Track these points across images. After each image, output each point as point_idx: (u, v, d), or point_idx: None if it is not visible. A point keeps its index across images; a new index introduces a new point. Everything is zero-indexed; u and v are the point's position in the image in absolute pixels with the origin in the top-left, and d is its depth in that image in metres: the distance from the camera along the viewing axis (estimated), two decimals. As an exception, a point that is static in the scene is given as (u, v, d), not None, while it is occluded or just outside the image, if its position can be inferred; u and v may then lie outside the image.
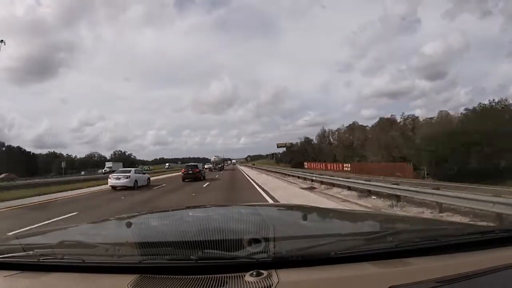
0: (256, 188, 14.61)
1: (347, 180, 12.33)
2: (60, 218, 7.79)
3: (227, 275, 0.80)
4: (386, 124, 47.88)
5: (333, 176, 15.29)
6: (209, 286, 0.76)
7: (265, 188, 13.89)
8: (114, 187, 16.25)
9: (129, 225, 1.32)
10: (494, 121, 26.63)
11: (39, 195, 13.75)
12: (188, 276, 0.81)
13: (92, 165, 77.72)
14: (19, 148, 70.84)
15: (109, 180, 16.93)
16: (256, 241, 0.89)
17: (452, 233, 1.16)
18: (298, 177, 19.32)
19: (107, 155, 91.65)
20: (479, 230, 1.14)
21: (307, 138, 69.94)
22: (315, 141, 68.17)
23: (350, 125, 63.01)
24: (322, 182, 14.58)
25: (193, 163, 25.68)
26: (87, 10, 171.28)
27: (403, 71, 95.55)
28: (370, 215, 2.26)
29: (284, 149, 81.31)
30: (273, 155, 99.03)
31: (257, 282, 0.75)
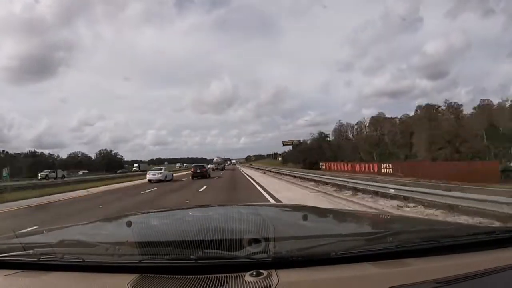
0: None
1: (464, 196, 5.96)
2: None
3: (227, 275, 0.80)
4: (431, 113, 39.26)
5: (405, 186, 9.01)
6: (209, 286, 0.76)
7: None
8: (150, 180, 22.49)
9: (129, 224, 1.32)
10: None
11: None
12: (188, 276, 0.81)
13: (73, 166, 65.81)
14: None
15: (147, 175, 24.02)
16: (256, 241, 0.89)
17: (453, 233, 1.16)
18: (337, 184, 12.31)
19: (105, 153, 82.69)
20: (480, 231, 1.14)
21: (322, 133, 60.35)
22: (331, 137, 60.29)
23: (374, 117, 55.51)
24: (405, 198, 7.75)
25: (200, 164, 31.80)
26: (86, 8, 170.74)
27: (403, 70, 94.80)
28: (370, 215, 2.26)
29: (290, 147, 73.61)
30: (275, 154, 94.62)
31: (257, 282, 0.75)
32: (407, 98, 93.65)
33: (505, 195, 5.59)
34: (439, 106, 41.17)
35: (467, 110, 41.89)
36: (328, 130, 66.07)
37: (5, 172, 22.97)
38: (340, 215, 1.84)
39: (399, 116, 53.41)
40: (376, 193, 9.16)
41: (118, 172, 54.93)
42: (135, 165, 70.75)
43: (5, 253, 0.98)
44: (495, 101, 41.25)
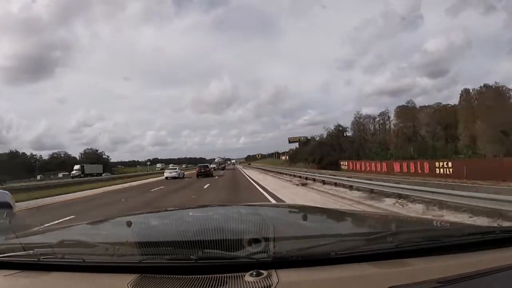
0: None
1: None
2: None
3: (227, 275, 0.80)
4: (493, 96, 30.38)
5: None
6: (209, 286, 0.76)
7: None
8: (167, 178, 28.70)
9: (129, 224, 1.33)
10: None
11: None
12: (188, 276, 0.81)
13: (55, 167, 59.90)
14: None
15: (164, 173, 30.47)
16: (256, 241, 0.89)
17: (453, 233, 1.15)
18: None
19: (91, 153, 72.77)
20: (480, 231, 1.14)
21: (339, 126, 50.13)
22: (349, 131, 50.37)
23: (400, 107, 46.14)
24: None
25: (204, 164, 37.04)
26: (84, 7, 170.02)
27: (404, 69, 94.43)
28: (370, 215, 2.26)
29: (296, 145, 65.89)
30: (277, 154, 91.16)
31: (257, 282, 0.75)
32: (407, 97, 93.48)
33: None
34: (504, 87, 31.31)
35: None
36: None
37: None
38: (340, 215, 1.84)
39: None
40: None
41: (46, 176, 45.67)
42: (76, 166, 55.38)
43: (5, 253, 0.98)
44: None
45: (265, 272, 0.78)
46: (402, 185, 8.97)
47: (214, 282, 0.77)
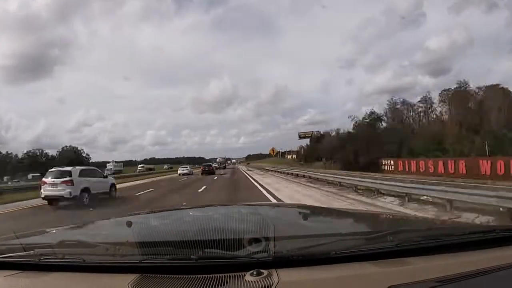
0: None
1: None
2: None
3: (228, 274, 0.80)
4: None
5: None
6: (209, 286, 0.76)
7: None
8: (180, 174, 33.89)
9: (129, 224, 1.33)
10: None
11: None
12: (189, 276, 0.81)
13: (31, 166, 48.68)
14: None
15: (178, 170, 36.32)
16: (257, 240, 0.89)
17: (453, 232, 1.16)
18: None
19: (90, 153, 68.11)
20: (480, 230, 1.14)
21: (373, 114, 39.45)
22: (384, 122, 40.25)
23: (446, 90, 37.00)
24: None
25: (208, 163, 41.48)
26: (82, 4, 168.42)
27: (405, 67, 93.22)
28: (370, 214, 2.26)
29: (303, 141, 56.68)
30: (282, 153, 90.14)
31: (257, 281, 0.75)
32: (408, 96, 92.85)
33: None
34: None
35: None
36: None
37: None
38: (340, 215, 1.84)
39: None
40: None
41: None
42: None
43: (5, 254, 0.98)
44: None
45: (265, 272, 0.78)
46: None
47: (215, 281, 0.78)
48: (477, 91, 35.26)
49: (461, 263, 0.84)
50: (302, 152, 57.48)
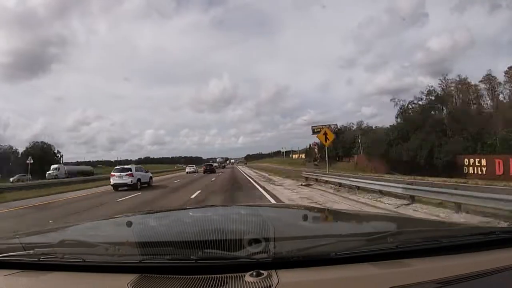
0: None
1: None
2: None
3: (227, 275, 0.80)
4: None
5: None
6: (209, 286, 0.76)
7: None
8: (187, 172, 39.44)
9: (129, 224, 1.33)
10: None
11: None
12: (188, 276, 0.81)
13: None
14: None
15: (186, 169, 42.85)
16: (256, 241, 0.89)
17: (453, 234, 1.15)
18: None
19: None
20: (480, 231, 1.14)
21: (432, 91, 28.91)
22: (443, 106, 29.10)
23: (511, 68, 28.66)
24: None
25: (209, 163, 47.23)
26: (81, 1, 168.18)
27: (406, 68, 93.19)
28: (370, 215, 2.26)
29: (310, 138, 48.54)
30: (285, 153, 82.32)
31: (257, 282, 0.75)
32: (408, 96, 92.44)
33: None
34: None
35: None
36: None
37: None
38: (340, 215, 1.84)
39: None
40: None
41: None
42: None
43: (6, 253, 0.98)
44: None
45: (265, 273, 0.78)
46: None
47: (214, 282, 0.77)
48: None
49: (462, 264, 0.84)
50: (316, 150, 46.55)
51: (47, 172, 41.68)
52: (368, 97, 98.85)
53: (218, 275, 0.80)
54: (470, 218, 5.74)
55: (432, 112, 27.85)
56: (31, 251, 0.98)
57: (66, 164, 52.89)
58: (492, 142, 22.30)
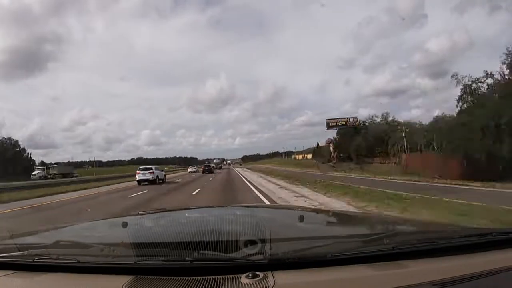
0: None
1: None
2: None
3: (223, 276, 0.79)
4: None
5: None
6: None
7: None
8: (189, 172, 44.23)
9: (124, 225, 1.32)
10: None
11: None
12: (184, 277, 0.80)
13: None
14: None
15: (188, 169, 49.94)
16: (252, 242, 0.89)
17: (450, 235, 1.15)
18: None
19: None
20: (477, 233, 1.14)
21: None
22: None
23: None
24: None
25: (208, 164, 52.62)
26: (79, 1, 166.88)
27: (404, 69, 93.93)
28: (367, 217, 2.26)
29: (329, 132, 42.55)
30: (289, 152, 78.03)
31: (253, 284, 0.74)
32: (406, 97, 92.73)
33: None
34: None
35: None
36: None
37: None
38: (336, 216, 1.84)
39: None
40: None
41: None
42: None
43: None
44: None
45: (261, 274, 0.77)
46: None
47: (210, 283, 0.77)
48: None
49: (458, 266, 0.84)
50: (331, 149, 41.09)
51: (32, 173, 41.01)
52: (366, 98, 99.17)
53: (213, 277, 0.79)
54: None
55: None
56: (26, 252, 0.97)
57: (44, 164, 53.37)
58: None
